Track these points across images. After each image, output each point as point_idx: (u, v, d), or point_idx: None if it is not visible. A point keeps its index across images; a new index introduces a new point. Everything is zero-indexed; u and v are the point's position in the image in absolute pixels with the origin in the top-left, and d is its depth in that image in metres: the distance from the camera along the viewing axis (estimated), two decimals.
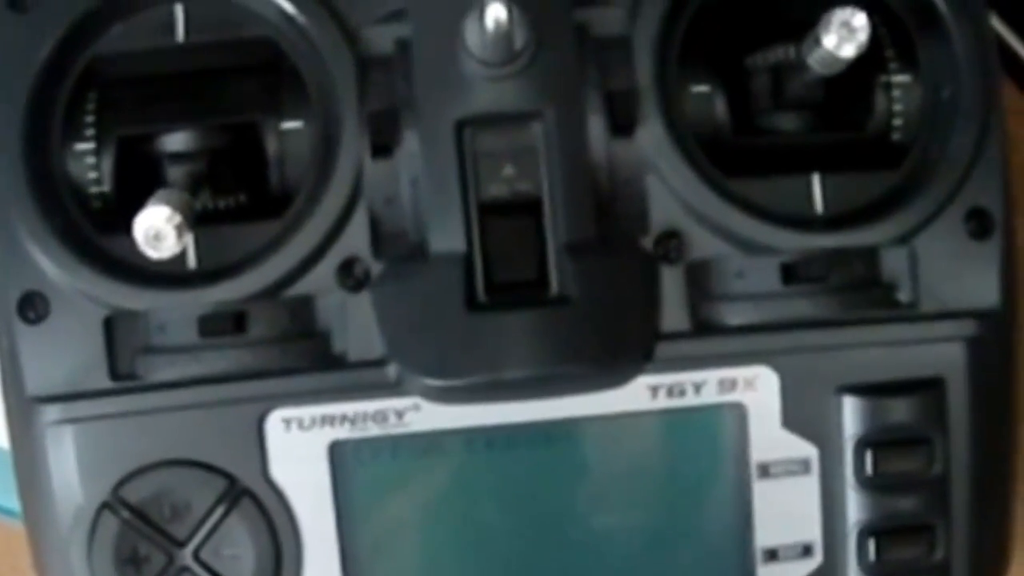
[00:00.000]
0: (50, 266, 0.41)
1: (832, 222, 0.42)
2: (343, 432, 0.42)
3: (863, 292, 0.42)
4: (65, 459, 0.42)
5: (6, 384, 0.43)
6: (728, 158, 0.42)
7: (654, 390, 0.42)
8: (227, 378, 0.41)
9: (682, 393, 0.42)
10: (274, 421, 0.42)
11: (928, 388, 0.42)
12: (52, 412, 0.42)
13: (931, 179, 0.42)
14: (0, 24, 0.42)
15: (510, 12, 0.39)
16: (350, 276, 0.41)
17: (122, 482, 0.42)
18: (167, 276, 0.41)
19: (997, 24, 0.48)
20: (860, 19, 0.39)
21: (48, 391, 0.42)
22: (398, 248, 0.41)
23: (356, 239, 0.41)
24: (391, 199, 0.41)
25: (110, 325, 0.41)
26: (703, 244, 0.41)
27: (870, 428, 0.42)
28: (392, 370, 0.41)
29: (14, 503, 0.52)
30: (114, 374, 0.42)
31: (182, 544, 0.42)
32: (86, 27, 0.42)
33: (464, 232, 0.40)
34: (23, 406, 0.42)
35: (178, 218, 0.39)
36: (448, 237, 0.40)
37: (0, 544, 0.57)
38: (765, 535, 0.42)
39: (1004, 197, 0.42)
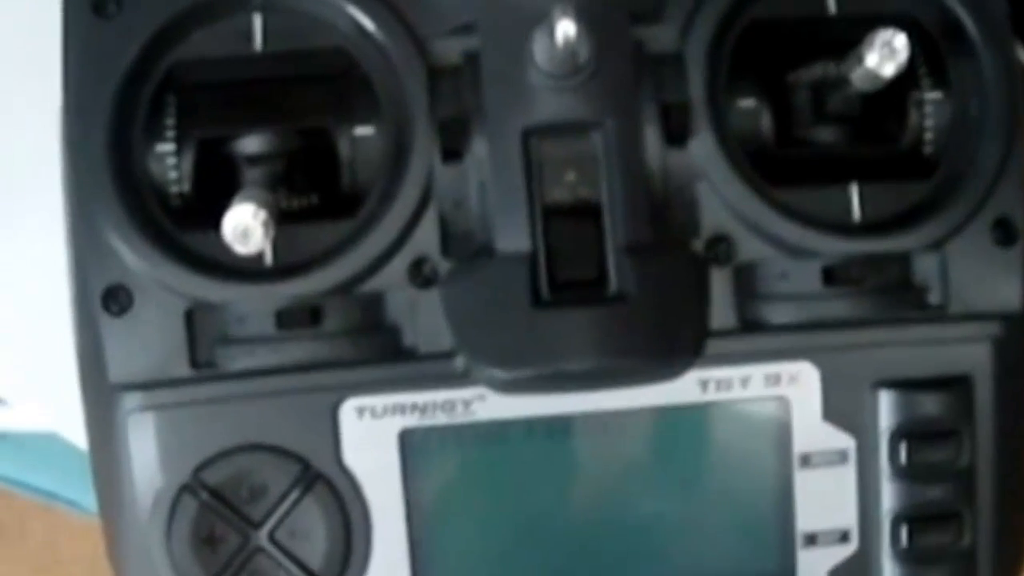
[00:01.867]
0: (134, 260, 0.43)
1: (869, 228, 0.45)
2: (413, 420, 0.44)
3: (897, 294, 0.45)
4: (146, 445, 0.44)
5: (85, 375, 0.45)
6: (772, 168, 0.45)
7: (704, 384, 0.45)
8: (302, 368, 0.44)
9: (730, 387, 0.45)
10: (347, 409, 0.44)
11: (957, 385, 0.45)
12: (134, 399, 0.44)
13: (960, 190, 0.45)
14: (87, 29, 0.44)
15: (578, 28, 0.42)
16: (420, 274, 0.44)
17: (201, 466, 0.44)
18: (246, 271, 0.44)
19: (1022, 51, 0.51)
20: (901, 40, 0.42)
21: (131, 379, 0.44)
22: (466, 248, 0.44)
23: (426, 239, 0.44)
24: (460, 202, 0.44)
25: (190, 317, 0.44)
26: (750, 248, 0.44)
27: (904, 421, 0.45)
28: (460, 362, 0.44)
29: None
30: (194, 363, 0.44)
31: (258, 525, 0.44)
32: (168, 34, 0.44)
33: (529, 233, 0.43)
34: (105, 395, 0.44)
35: (264, 215, 0.41)
36: (514, 238, 0.43)
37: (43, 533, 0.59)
38: (805, 521, 0.45)
39: None
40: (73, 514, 0.56)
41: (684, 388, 0.45)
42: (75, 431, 0.52)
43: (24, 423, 0.53)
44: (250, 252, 0.42)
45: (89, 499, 0.50)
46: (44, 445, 0.53)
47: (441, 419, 0.44)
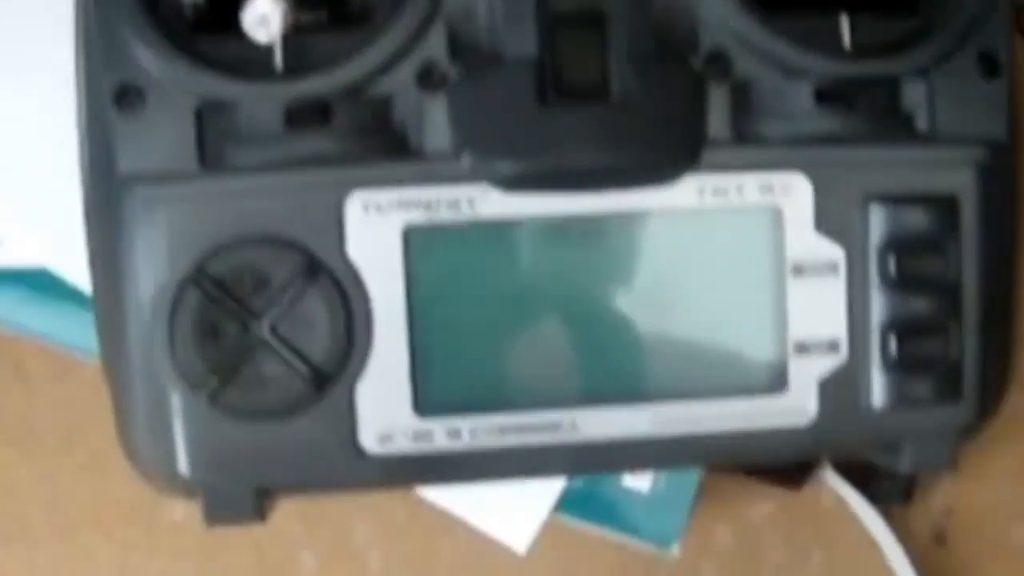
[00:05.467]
0: (148, 59, 0.44)
1: (858, 53, 0.47)
2: (417, 216, 0.45)
3: (886, 116, 0.47)
4: (153, 237, 0.44)
5: (93, 171, 0.46)
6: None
7: (700, 190, 0.46)
8: (309, 162, 0.45)
9: (725, 193, 0.46)
10: (353, 203, 0.45)
11: (944, 203, 0.46)
12: (143, 192, 0.45)
13: (945, 23, 0.47)
14: None
15: None
16: (428, 79, 0.45)
17: (206, 257, 0.44)
18: (257, 70, 0.45)
19: None
20: None
21: (140, 172, 0.44)
22: (474, 56, 0.45)
23: (435, 45, 0.45)
24: (469, 12, 0.45)
25: (201, 115, 0.45)
26: (746, 65, 0.46)
27: (893, 234, 0.46)
28: (466, 161, 0.45)
29: None
30: (203, 159, 0.45)
31: (260, 316, 0.45)
32: None
33: (537, 39, 0.45)
34: (112, 189, 0.45)
35: (283, 4, 0.43)
36: (522, 43, 0.45)
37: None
38: (797, 330, 0.46)
39: (1008, 44, 0.47)
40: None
41: (682, 193, 0.46)
42: (71, 268, 0.53)
43: (18, 259, 0.53)
44: (268, 40, 0.43)
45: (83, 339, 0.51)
46: (38, 281, 0.53)
47: (445, 216, 0.45)
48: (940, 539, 0.60)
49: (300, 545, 0.58)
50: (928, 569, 0.59)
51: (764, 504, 0.59)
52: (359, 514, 0.58)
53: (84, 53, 0.46)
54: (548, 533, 0.56)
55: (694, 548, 0.58)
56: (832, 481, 0.58)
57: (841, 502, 0.59)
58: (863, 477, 0.58)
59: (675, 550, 0.52)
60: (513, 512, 0.52)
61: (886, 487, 0.58)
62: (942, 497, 0.60)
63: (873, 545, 0.58)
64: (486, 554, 0.57)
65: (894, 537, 0.58)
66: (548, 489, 0.52)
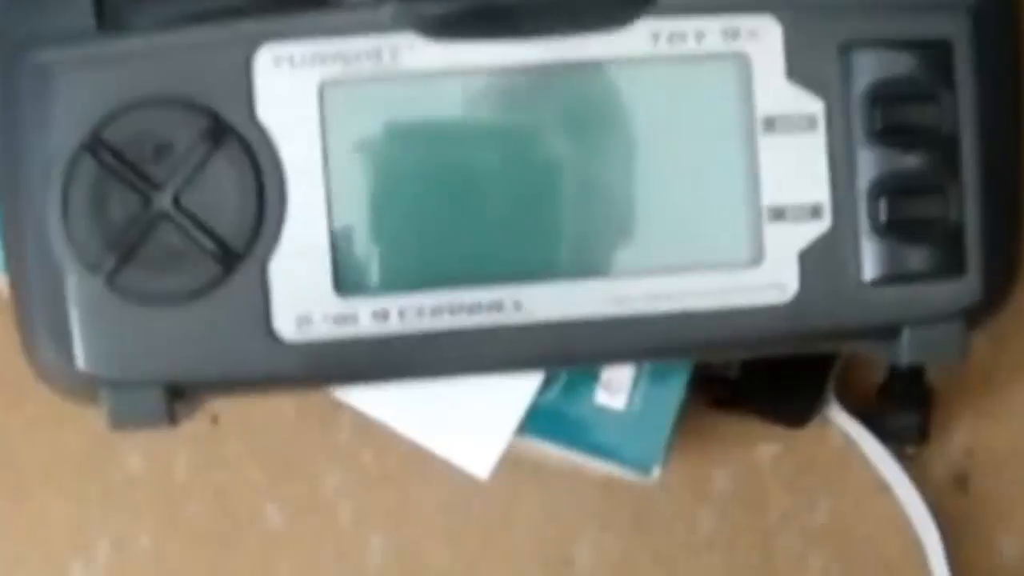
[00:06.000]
0: None
1: None
2: (334, 70, 0.40)
3: None
4: (46, 101, 0.40)
5: None
6: None
7: (655, 36, 0.40)
8: (215, 15, 0.40)
9: (684, 40, 0.41)
10: (263, 58, 0.40)
11: (935, 47, 0.41)
12: (36, 55, 0.40)
13: None
14: None
15: None
16: None
17: (102, 123, 0.40)
18: None
19: None
20: None
21: (31, 34, 0.40)
22: None
23: None
24: None
25: None
26: None
27: (878, 81, 0.41)
28: (387, 8, 0.40)
29: None
30: (100, 18, 0.40)
31: (161, 187, 0.40)
32: None
33: None
34: (3, 54, 0.41)
35: None
36: None
37: None
38: (772, 194, 0.41)
39: None
40: None
41: (635, 39, 0.40)
42: None
43: None
44: None
45: None
46: None
47: (365, 69, 0.40)
48: (960, 483, 0.54)
49: (265, 496, 0.54)
50: (948, 516, 0.53)
51: (765, 445, 0.54)
52: (327, 463, 0.54)
53: None
54: (528, 475, 0.52)
55: (690, 493, 0.53)
56: (839, 418, 0.53)
57: (850, 442, 0.53)
58: (874, 413, 0.53)
59: (655, 473, 0.47)
60: (474, 434, 0.47)
61: (899, 424, 0.53)
62: (962, 436, 0.54)
63: (886, 490, 0.53)
64: (461, 502, 0.53)
65: (909, 481, 0.53)
66: (512, 407, 0.47)
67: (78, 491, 0.54)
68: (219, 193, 0.40)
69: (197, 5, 0.40)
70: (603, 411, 0.47)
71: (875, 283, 0.41)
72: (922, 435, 0.53)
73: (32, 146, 0.40)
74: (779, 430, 0.53)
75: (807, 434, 0.53)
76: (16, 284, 0.42)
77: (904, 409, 0.53)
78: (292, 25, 0.40)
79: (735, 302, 0.41)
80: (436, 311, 0.41)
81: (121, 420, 0.41)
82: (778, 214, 0.41)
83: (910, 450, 0.53)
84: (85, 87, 0.40)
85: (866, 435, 0.53)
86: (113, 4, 0.41)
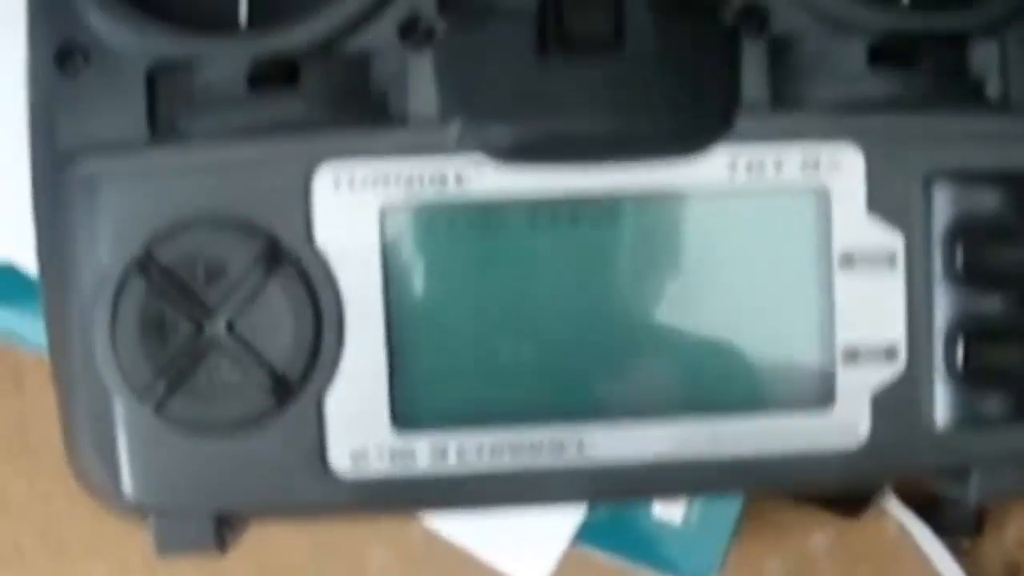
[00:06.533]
0: (92, 12, 0.39)
1: (920, 4, 0.40)
2: (396, 193, 0.38)
3: (952, 79, 0.40)
4: (95, 215, 0.38)
5: (35, 144, 0.40)
6: None
7: (732, 165, 0.39)
8: (273, 129, 0.38)
9: (762, 170, 0.39)
10: (322, 177, 0.38)
11: (1019, 181, 0.39)
12: (86, 166, 0.39)
13: None
14: None
15: None
16: (412, 33, 0.39)
17: (154, 241, 0.38)
18: (216, 25, 0.39)
19: None
20: None
21: (83, 143, 0.39)
22: (464, 5, 0.39)
23: None
24: None
25: (152, 77, 0.39)
26: (787, 18, 0.39)
27: (961, 217, 0.39)
28: (454, 127, 0.38)
29: None
30: (153, 127, 0.39)
31: (213, 312, 0.38)
32: None
33: None
34: (53, 162, 0.39)
35: None
36: None
37: None
38: (847, 333, 0.39)
39: None
40: None
41: (710, 168, 0.39)
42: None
43: None
44: None
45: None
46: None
47: (429, 193, 0.39)
48: (1014, 574, 0.53)
49: (307, 572, 0.53)
50: None
51: (819, 534, 0.53)
52: (374, 541, 0.53)
53: (29, 15, 0.40)
54: (573, 565, 0.50)
55: None
56: (894, 509, 0.52)
57: (904, 533, 0.52)
58: (929, 504, 0.52)
59: None
60: (528, 545, 0.46)
61: (954, 516, 0.52)
62: (1017, 527, 0.53)
63: None
64: None
65: (963, 573, 0.52)
66: (567, 519, 0.45)
67: (119, 560, 0.53)
68: (274, 320, 0.38)
69: (254, 117, 0.39)
70: (660, 525, 0.46)
71: (948, 427, 0.40)
72: (978, 528, 0.52)
73: (80, 261, 0.39)
74: (834, 519, 0.52)
75: (862, 524, 0.52)
76: (63, 402, 0.40)
77: (960, 502, 0.52)
78: (353, 143, 0.39)
79: (803, 446, 0.40)
80: (496, 450, 0.39)
81: (169, 547, 0.39)
82: (852, 355, 0.39)
83: (965, 543, 0.52)
84: (136, 201, 0.39)
85: (921, 527, 0.52)
86: (167, 113, 0.39)
